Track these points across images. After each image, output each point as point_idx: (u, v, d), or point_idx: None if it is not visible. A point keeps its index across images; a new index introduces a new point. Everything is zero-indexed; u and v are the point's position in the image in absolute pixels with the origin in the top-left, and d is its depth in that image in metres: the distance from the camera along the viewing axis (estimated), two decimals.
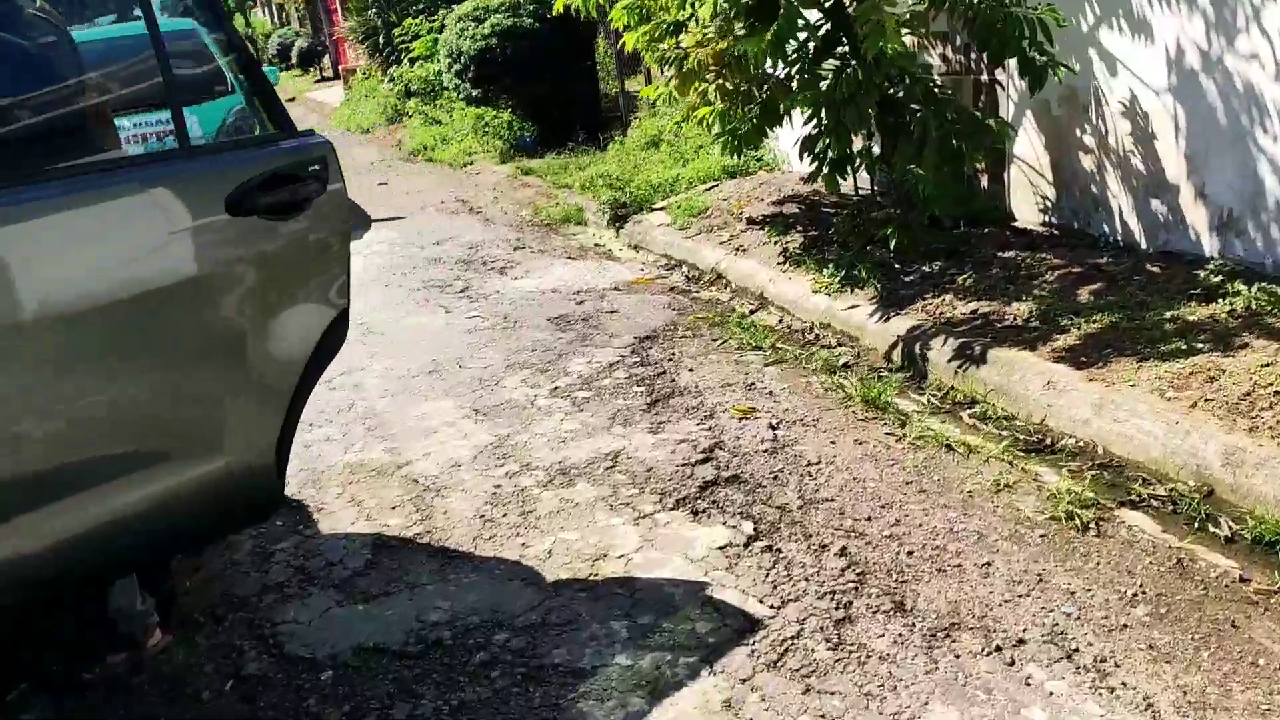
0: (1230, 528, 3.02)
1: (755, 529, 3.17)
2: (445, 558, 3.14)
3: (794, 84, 5.28)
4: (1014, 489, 3.34)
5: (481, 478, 3.64)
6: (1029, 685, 2.41)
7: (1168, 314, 4.10)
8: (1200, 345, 3.79)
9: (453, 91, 11.80)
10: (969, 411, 3.99)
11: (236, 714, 2.52)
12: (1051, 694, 2.37)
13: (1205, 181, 4.49)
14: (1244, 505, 3.09)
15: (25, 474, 2.30)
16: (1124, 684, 2.39)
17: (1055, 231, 5.39)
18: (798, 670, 2.50)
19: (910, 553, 3.01)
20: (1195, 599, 2.69)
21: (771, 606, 2.76)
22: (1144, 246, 4.86)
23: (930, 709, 2.35)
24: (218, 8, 2.83)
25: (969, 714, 2.33)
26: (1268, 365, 3.55)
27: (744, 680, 2.49)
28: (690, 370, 4.57)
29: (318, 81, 27.99)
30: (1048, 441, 3.69)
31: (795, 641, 2.61)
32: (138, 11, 2.61)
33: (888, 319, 4.77)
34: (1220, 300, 4.11)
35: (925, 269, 5.14)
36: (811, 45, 5.31)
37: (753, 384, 4.37)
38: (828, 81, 5.22)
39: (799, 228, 6.19)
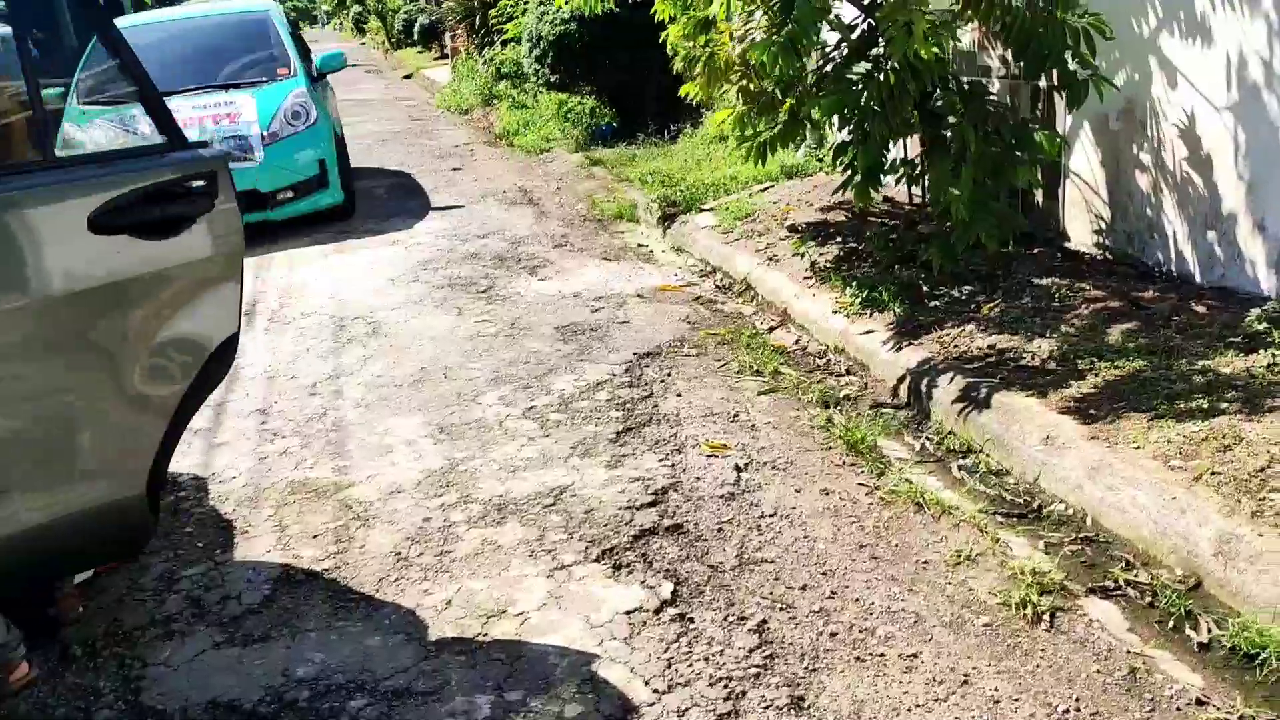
0: (1210, 630, 2.62)
1: (674, 592, 2.90)
2: (342, 600, 2.96)
3: (822, 88, 4.91)
4: (975, 562, 2.99)
5: (416, 508, 3.46)
6: None
7: (1199, 364, 3.64)
8: (1225, 405, 3.34)
9: (532, 77, 11.65)
10: (961, 463, 3.62)
11: None
12: None
13: (1265, 213, 3.99)
14: (1232, 603, 2.68)
15: None
16: None
17: (1108, 256, 4.90)
18: None
19: (834, 634, 2.70)
20: None
21: (655, 691, 2.50)
22: (1198, 280, 4.36)
23: None
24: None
25: None
26: None
27: None
28: (678, 395, 4.30)
29: (436, 59, 28.23)
30: (1035, 505, 3.31)
31: None
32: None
33: (900, 348, 4.40)
34: (1262, 351, 3.63)
35: (955, 293, 4.73)
36: (845, 47, 4.94)
37: (738, 415, 4.07)
38: (859, 87, 4.84)
39: (839, 239, 5.82)
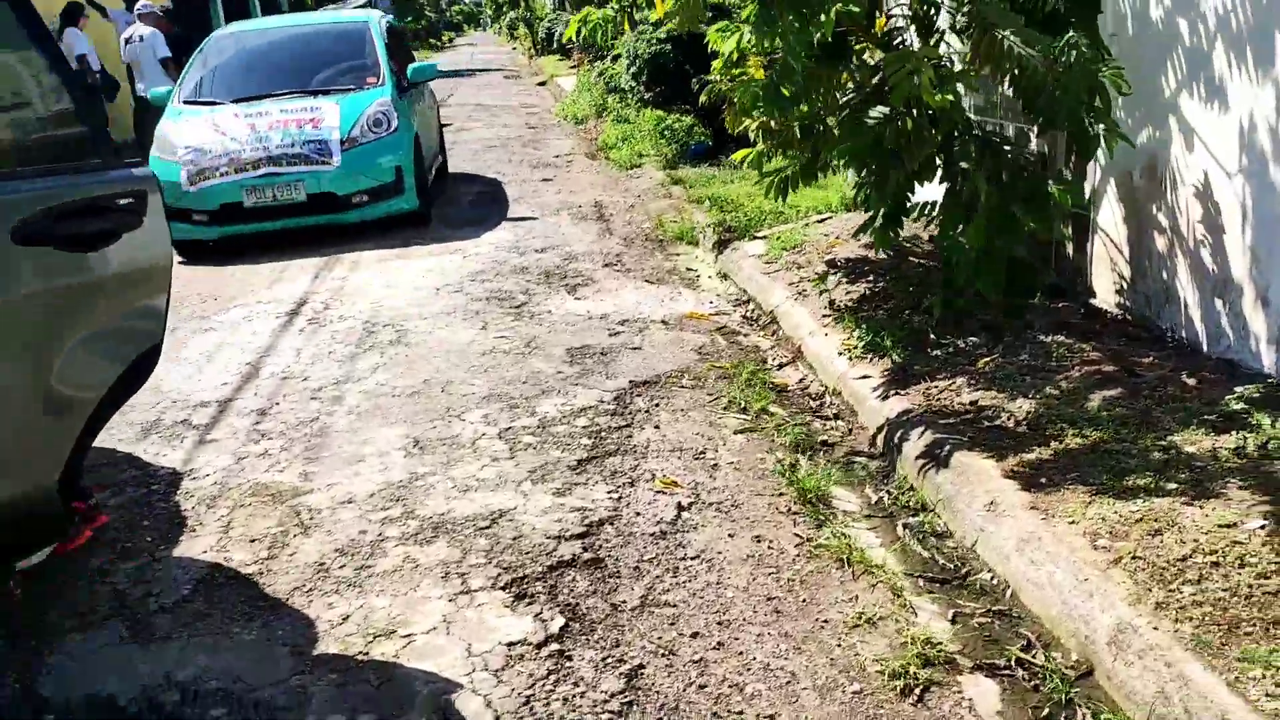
0: None
1: (564, 628, 2.94)
2: (251, 605, 3.10)
3: (838, 131, 4.86)
4: (875, 626, 2.93)
5: (358, 520, 3.59)
6: None
7: (1165, 440, 3.48)
8: (1173, 486, 3.18)
9: (630, 93, 11.78)
10: (909, 520, 3.55)
11: None
12: None
13: (1269, 284, 3.77)
14: (1116, 697, 2.57)
15: None
16: None
17: (1127, 317, 4.70)
18: None
19: (702, 687, 2.70)
20: None
21: None
22: (1204, 349, 4.15)
23: None
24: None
25: None
26: (1228, 526, 2.94)
27: None
28: (656, 427, 4.32)
29: (571, 67, 28.76)
30: (963, 573, 3.23)
31: None
32: None
33: (887, 396, 4.33)
34: (1234, 433, 3.44)
35: (960, 343, 4.62)
36: (866, 89, 4.87)
37: (704, 452, 4.08)
38: (877, 130, 4.77)
39: (870, 278, 5.73)
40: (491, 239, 8.05)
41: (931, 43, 4.74)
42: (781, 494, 3.73)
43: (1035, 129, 5.16)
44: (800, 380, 4.95)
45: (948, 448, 3.74)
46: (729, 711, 2.60)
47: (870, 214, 5.20)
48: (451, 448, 4.15)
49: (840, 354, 4.88)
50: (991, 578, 3.19)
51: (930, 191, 4.91)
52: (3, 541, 2.81)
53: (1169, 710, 2.38)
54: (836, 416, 4.51)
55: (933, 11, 4.87)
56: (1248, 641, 2.51)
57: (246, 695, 2.69)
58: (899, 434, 4.02)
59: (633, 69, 11.11)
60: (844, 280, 5.74)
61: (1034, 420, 3.79)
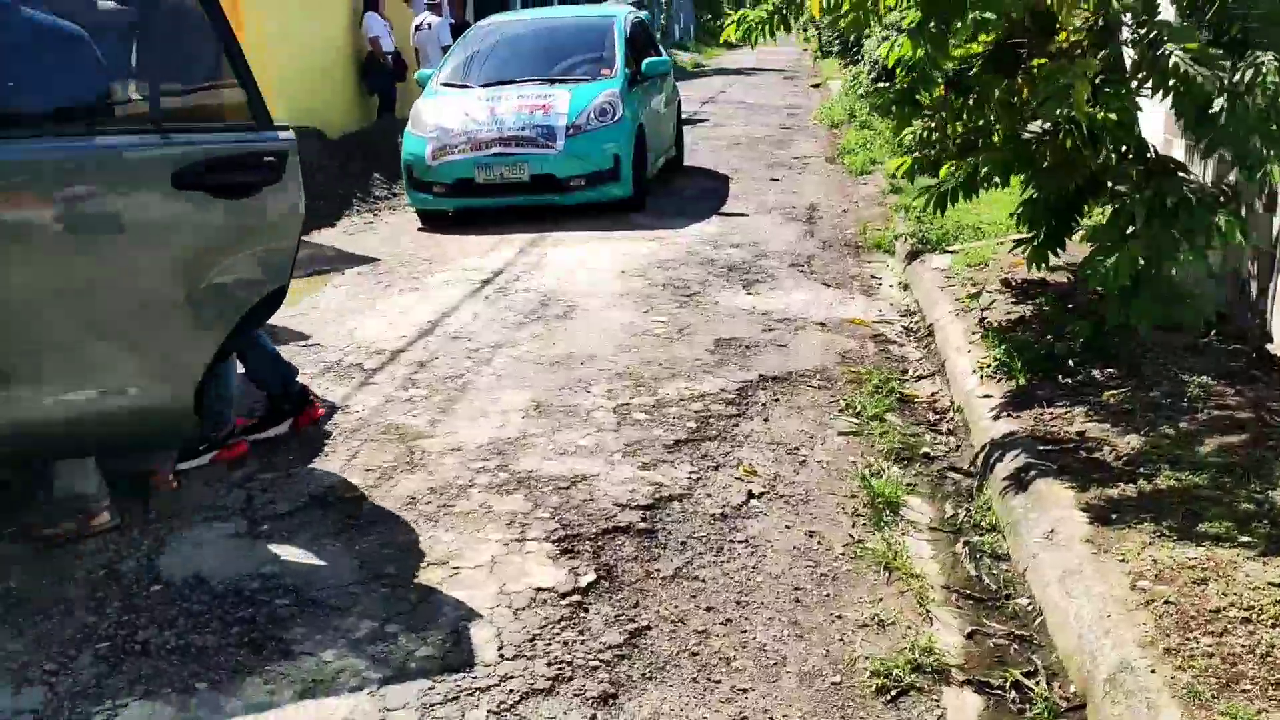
0: None
1: (592, 584, 3.18)
2: (343, 522, 3.55)
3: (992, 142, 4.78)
4: (885, 630, 2.99)
5: (458, 466, 3.97)
6: None
7: (1262, 493, 3.29)
8: (1246, 539, 3.03)
9: (870, 99, 11.69)
10: (971, 539, 3.55)
11: (85, 607, 3.13)
12: None
13: None
14: None
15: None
16: None
17: None
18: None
19: (695, 655, 2.86)
20: None
21: (502, 656, 2.82)
22: None
23: None
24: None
25: None
26: (1276, 584, 2.78)
27: (396, 708, 2.62)
28: (765, 420, 4.46)
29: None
30: (1004, 595, 3.22)
31: (470, 697, 2.67)
32: None
33: (999, 417, 4.26)
34: None
35: (1094, 373, 4.46)
36: (1032, 104, 4.76)
37: (798, 448, 4.19)
38: (1035, 147, 4.67)
39: (1038, 300, 5.57)
40: (694, 230, 8.31)
41: (1099, 57, 4.57)
42: (854, 496, 3.79)
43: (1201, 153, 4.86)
44: (932, 394, 4.92)
45: (1033, 473, 3.67)
46: (709, 680, 2.75)
47: (1031, 232, 5.09)
48: (566, 415, 4.46)
49: (973, 372, 4.81)
50: (1028, 604, 3.15)
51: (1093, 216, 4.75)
52: (146, 437, 3.37)
53: None
54: (951, 432, 4.47)
55: (1110, 26, 4.68)
56: (1242, 699, 2.41)
57: (309, 592, 3.11)
58: (995, 454, 3.97)
59: (872, 74, 11.03)
60: (1009, 300, 5.61)
61: (1134, 457, 3.66)
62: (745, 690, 2.71)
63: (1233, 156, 4.00)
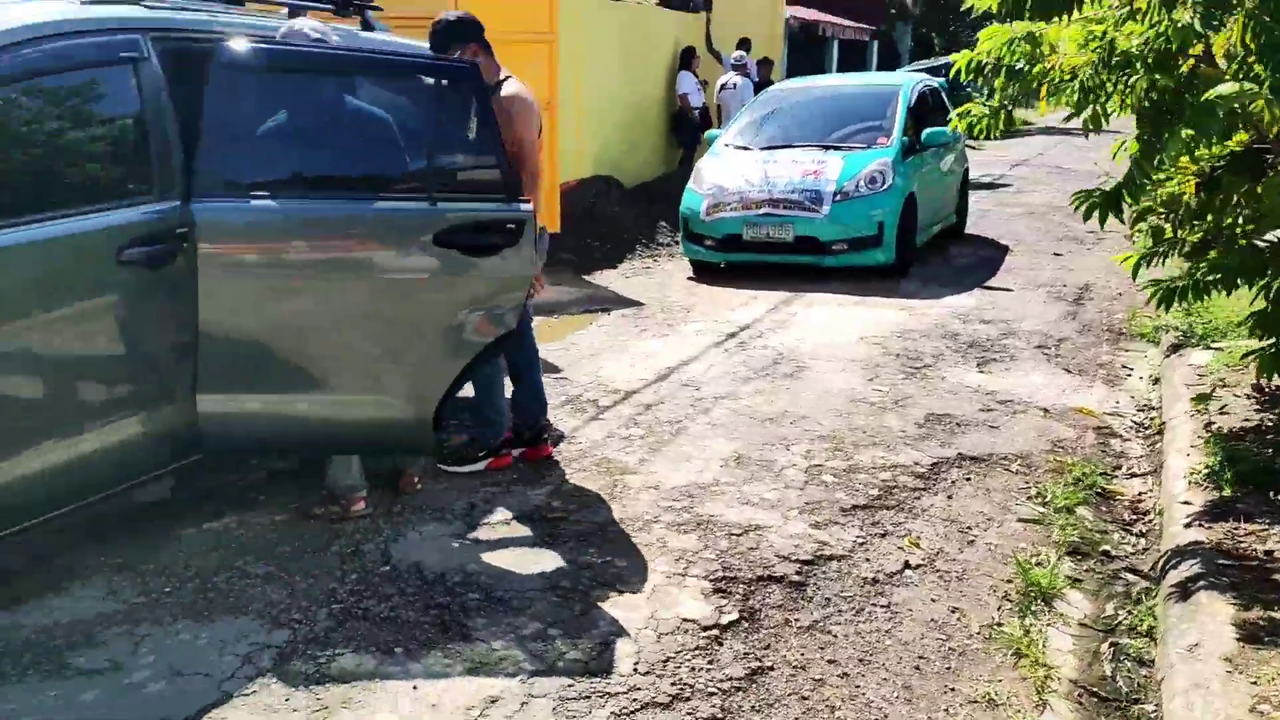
0: None
1: (733, 622, 3.55)
2: (537, 538, 4.11)
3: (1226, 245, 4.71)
4: (993, 711, 3.16)
5: (650, 504, 4.44)
6: None
7: None
8: None
9: None
10: (1119, 641, 3.62)
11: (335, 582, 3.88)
12: None
13: None
14: None
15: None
16: None
17: None
18: None
19: (804, 699, 3.17)
20: None
21: (635, 670, 3.26)
22: None
23: None
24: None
25: None
26: None
27: (538, 696, 3.13)
28: (949, 498, 4.64)
29: None
30: (1133, 699, 3.30)
31: (600, 699, 3.13)
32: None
33: (1192, 526, 4.22)
34: None
35: None
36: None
37: (970, 528, 4.35)
38: (1269, 255, 4.57)
39: (1278, 410, 5.35)
40: (949, 302, 8.41)
41: None
42: (1010, 581, 3.92)
43: None
44: (1139, 494, 4.88)
45: (1200, 584, 3.68)
46: None
47: (1270, 340, 4.93)
48: (761, 468, 4.84)
49: (1185, 476, 4.74)
50: (1154, 710, 3.21)
51: None
52: (394, 445, 4.12)
53: None
54: (1143, 534, 4.46)
55: None
56: None
57: (496, 591, 3.69)
58: (1172, 561, 3.96)
59: None
60: (1252, 406, 5.42)
61: None
62: None
63: None
